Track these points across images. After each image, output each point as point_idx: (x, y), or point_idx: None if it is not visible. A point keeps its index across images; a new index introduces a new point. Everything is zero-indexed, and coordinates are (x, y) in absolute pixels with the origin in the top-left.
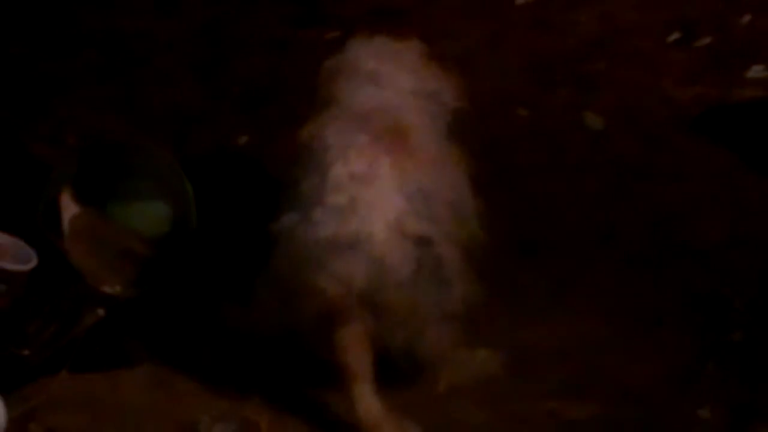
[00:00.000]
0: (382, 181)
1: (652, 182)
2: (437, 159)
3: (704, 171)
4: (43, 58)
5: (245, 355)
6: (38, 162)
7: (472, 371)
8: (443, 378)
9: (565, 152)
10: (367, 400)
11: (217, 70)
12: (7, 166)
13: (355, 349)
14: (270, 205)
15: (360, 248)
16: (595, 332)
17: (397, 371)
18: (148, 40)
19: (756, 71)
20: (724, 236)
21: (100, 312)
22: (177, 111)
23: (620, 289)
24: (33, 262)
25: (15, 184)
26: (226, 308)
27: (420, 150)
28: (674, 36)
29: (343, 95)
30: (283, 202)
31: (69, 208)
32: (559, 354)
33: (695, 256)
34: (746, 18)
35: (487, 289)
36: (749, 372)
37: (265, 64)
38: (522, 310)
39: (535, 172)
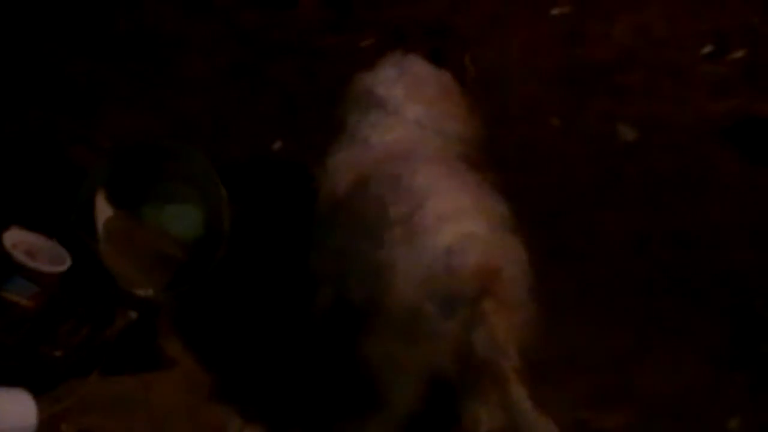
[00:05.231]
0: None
1: (683, 194)
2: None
3: (735, 183)
4: (77, 61)
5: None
6: (73, 164)
7: None
8: None
9: (598, 162)
10: (525, 402)
11: (252, 74)
12: (42, 169)
13: (506, 337)
14: (302, 210)
15: (470, 246)
16: (624, 342)
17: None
18: (183, 44)
19: None
20: (755, 248)
21: (133, 314)
22: (211, 115)
23: (651, 299)
24: (66, 264)
25: (50, 186)
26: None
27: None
28: (707, 49)
29: (355, 124)
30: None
31: (103, 211)
32: (588, 363)
33: (725, 267)
34: None
35: None
36: None
37: (300, 70)
38: (551, 317)
39: (567, 182)
